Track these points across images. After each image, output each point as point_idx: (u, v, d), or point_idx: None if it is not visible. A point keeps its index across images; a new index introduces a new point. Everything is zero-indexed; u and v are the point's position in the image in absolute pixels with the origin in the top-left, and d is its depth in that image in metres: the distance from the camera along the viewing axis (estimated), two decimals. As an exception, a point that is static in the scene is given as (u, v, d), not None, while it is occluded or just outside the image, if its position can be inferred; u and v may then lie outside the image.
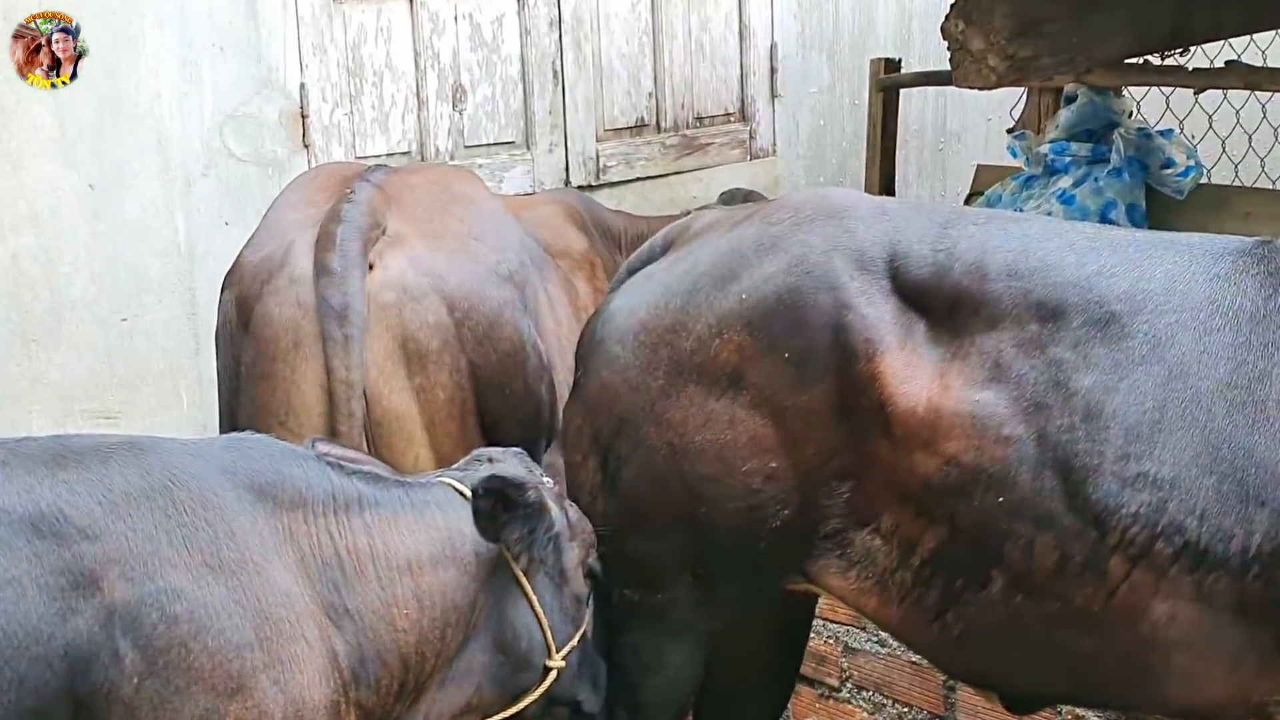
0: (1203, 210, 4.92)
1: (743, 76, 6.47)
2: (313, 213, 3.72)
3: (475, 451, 3.21)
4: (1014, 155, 5.35)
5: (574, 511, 3.11)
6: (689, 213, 5.07)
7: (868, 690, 4.29)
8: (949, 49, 4.41)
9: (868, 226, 3.04)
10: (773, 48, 6.50)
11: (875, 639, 4.21)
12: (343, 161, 4.95)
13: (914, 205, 3.48)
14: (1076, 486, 2.76)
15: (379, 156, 5.26)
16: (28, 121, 4.76)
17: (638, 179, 6.11)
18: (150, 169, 4.97)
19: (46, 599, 2.45)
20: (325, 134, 5.30)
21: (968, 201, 5.64)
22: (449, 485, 2.96)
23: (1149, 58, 4.85)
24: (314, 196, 3.82)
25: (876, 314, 2.94)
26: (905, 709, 4.21)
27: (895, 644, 4.05)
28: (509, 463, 3.09)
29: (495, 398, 3.74)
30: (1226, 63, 4.86)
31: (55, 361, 4.86)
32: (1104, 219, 4.86)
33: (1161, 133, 5.11)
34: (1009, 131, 5.64)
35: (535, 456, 3.87)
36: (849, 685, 4.32)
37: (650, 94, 6.18)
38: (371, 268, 3.61)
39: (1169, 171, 4.97)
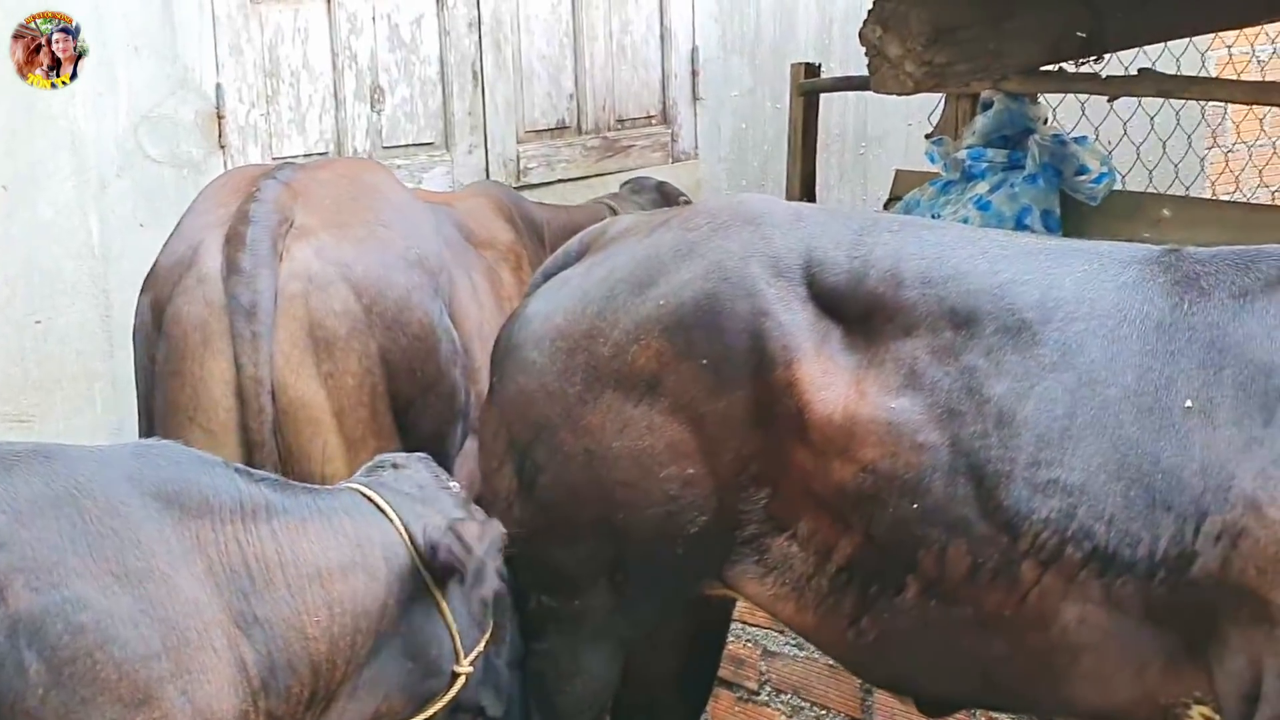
0: (1117, 216, 4.97)
1: (664, 79, 6.45)
2: (222, 213, 3.73)
3: (379, 457, 3.20)
4: (932, 161, 5.38)
5: (480, 515, 3.09)
6: (606, 202, 5.10)
7: (786, 693, 4.30)
8: (866, 55, 4.43)
9: (784, 233, 3.04)
10: (694, 51, 6.50)
11: (793, 642, 4.22)
12: (256, 164, 4.91)
13: (830, 211, 3.49)
14: (989, 493, 2.78)
15: (296, 157, 5.19)
16: (-62, 124, 4.70)
17: (559, 181, 6.08)
18: (64, 170, 4.90)
19: (-50, 610, 2.40)
20: (242, 135, 5.24)
21: (887, 206, 5.66)
22: (357, 491, 2.94)
23: (1064, 65, 4.89)
24: (224, 198, 3.82)
25: (793, 320, 2.95)
26: (823, 712, 4.23)
27: (813, 647, 4.07)
28: (414, 468, 3.08)
29: (406, 382, 3.75)
30: (1140, 70, 4.92)
31: (-32, 365, 4.79)
32: (1019, 225, 4.90)
33: (1076, 139, 5.15)
34: (927, 137, 5.67)
35: (452, 442, 3.89)
36: (768, 688, 4.34)
37: (571, 96, 6.16)
38: (280, 261, 3.63)
39: (1083, 178, 5.01)
